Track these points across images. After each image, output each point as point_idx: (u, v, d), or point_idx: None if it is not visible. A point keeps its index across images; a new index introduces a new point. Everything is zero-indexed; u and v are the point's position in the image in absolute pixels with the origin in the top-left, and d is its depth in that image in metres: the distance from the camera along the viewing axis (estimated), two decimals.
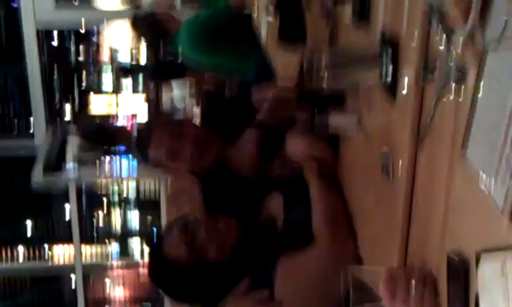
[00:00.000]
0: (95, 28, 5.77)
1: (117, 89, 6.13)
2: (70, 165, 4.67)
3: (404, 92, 1.32)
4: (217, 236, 1.89)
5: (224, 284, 1.85)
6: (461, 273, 1.09)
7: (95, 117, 5.95)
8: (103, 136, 5.08)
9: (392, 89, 1.37)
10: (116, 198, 6.25)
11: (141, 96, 6.11)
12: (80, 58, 5.84)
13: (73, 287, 6.03)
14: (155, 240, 2.03)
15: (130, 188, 6.21)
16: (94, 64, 5.83)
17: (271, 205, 2.09)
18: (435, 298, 1.20)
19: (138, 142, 2.36)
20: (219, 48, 3.61)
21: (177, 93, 5.42)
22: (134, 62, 6.40)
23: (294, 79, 2.07)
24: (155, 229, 5.93)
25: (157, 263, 1.98)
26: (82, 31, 5.77)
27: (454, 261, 1.11)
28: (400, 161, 1.37)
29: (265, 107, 2.17)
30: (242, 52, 3.60)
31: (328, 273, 1.68)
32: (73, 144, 4.88)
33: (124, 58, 6.37)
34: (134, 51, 6.34)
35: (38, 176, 4.45)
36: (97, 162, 5.63)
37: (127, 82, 6.06)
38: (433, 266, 1.23)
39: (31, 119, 5.72)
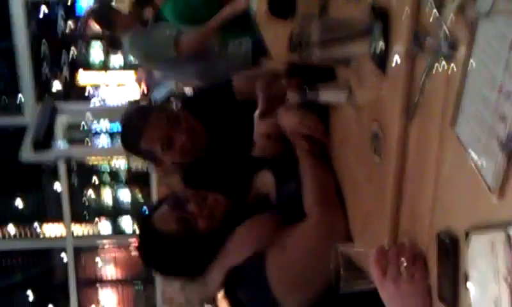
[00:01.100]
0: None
1: (106, 64, 6.07)
2: (59, 142, 4.64)
3: (395, 65, 1.29)
4: (206, 210, 1.89)
5: (213, 256, 1.85)
6: (450, 251, 1.08)
7: None
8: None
9: (382, 62, 1.35)
10: (106, 176, 6.22)
11: (130, 73, 6.05)
12: (70, 26, 5.73)
13: (64, 266, 6.02)
14: (145, 217, 2.02)
15: (120, 166, 6.18)
16: (82, 37, 5.73)
17: (260, 182, 2.08)
18: (425, 276, 1.18)
19: (127, 129, 2.34)
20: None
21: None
22: None
23: (284, 52, 2.04)
24: (145, 206, 5.91)
25: (147, 239, 1.98)
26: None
27: (444, 239, 1.10)
28: (391, 142, 1.35)
29: (261, 98, 2.14)
30: (233, 39, 3.43)
31: (318, 250, 1.67)
32: (62, 120, 4.84)
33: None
34: None
35: (26, 153, 4.42)
36: (87, 139, 5.60)
37: (116, 58, 6.00)
38: (423, 244, 1.22)
39: (20, 95, 5.66)
